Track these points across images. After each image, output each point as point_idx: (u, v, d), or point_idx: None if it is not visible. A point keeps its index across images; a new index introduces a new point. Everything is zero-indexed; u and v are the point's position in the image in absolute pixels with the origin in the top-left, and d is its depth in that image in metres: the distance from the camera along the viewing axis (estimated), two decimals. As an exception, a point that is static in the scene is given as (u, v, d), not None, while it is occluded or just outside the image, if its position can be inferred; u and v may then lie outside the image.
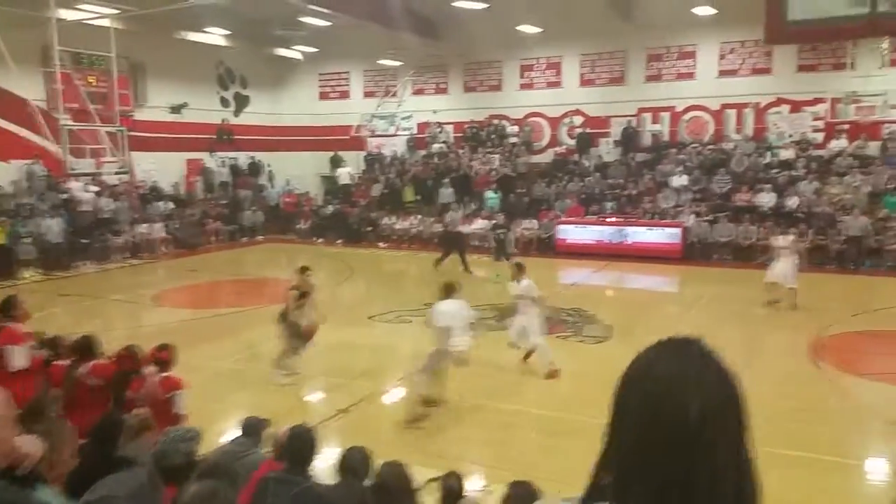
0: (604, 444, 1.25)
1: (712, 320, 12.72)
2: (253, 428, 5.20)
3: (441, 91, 26.12)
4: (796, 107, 20.66)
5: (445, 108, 25.73)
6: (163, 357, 5.78)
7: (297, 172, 27.03)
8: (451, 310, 7.86)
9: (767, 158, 20.27)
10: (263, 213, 25.10)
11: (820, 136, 20.27)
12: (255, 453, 4.97)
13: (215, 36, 23.49)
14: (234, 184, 25.94)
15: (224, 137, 26.16)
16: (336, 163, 26.56)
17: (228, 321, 12.97)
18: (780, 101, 20.90)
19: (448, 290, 8.05)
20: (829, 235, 17.31)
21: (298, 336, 9.29)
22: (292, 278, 9.64)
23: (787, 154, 20.08)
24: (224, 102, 26.52)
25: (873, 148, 19.29)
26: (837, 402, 8.30)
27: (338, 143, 26.66)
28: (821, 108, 20.15)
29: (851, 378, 9.09)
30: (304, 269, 9.65)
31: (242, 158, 26.64)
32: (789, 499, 5.95)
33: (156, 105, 23.58)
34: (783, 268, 12.49)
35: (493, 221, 18.43)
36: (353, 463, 4.21)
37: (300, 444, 4.29)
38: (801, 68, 20.32)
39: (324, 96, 28.27)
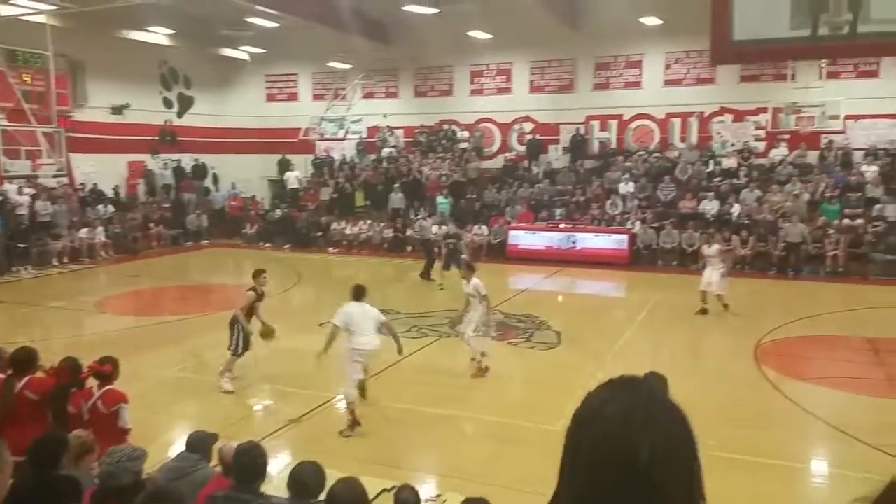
0: (557, 482, 1.27)
1: (659, 325, 12.95)
2: (200, 443, 5.02)
3: (391, 95, 26.03)
4: (739, 116, 21.32)
5: (396, 113, 25.66)
6: (105, 370, 5.53)
7: (243, 175, 26.52)
8: (354, 311, 7.97)
9: (711, 166, 20.83)
10: (208, 217, 24.53)
11: (761, 145, 20.98)
12: (203, 469, 4.80)
13: (158, 35, 22.86)
14: (178, 187, 25.29)
15: (167, 139, 25.48)
16: (284, 166, 26.15)
17: (173, 329, 12.60)
18: (723, 111, 21.54)
19: (356, 293, 8.17)
20: (770, 242, 17.84)
21: (245, 341, 9.15)
22: (251, 281, 9.51)
23: (729, 162, 20.67)
24: (167, 103, 25.85)
25: (812, 157, 20.07)
26: (780, 406, 8.50)
27: (285, 146, 26.28)
28: (762, 118, 20.84)
29: (793, 382, 9.34)
30: (258, 273, 9.59)
31: (186, 160, 25.97)
32: (733, 503, 6.06)
33: (96, 105, 22.83)
34: (710, 275, 12.85)
35: (446, 230, 18.39)
36: (304, 478, 4.07)
37: (248, 461, 4.15)
38: (744, 79, 20.95)
39: (271, 98, 27.86)
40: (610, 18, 21.04)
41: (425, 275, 17.32)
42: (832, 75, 19.43)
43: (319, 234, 23.00)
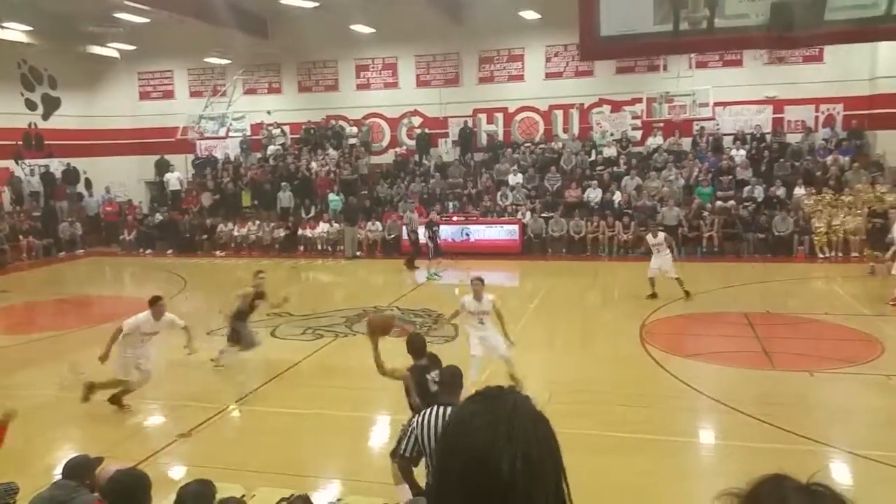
0: (431, 490, 1.36)
1: (551, 312, 13.31)
2: (79, 468, 4.67)
3: (275, 91, 25.34)
4: (616, 107, 22.20)
5: (280, 109, 24.96)
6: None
7: (118, 179, 25.06)
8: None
9: (593, 156, 21.60)
10: (82, 225, 23.08)
11: (638, 134, 21.95)
12: (81, 497, 4.46)
13: (15, 32, 21.12)
14: (47, 194, 23.64)
15: (33, 143, 23.73)
16: (163, 167, 24.91)
17: (50, 345, 11.74)
18: (601, 102, 22.36)
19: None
20: (650, 226, 18.64)
21: (238, 342, 9.71)
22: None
23: (610, 152, 21.51)
24: (30, 105, 23.99)
25: (686, 144, 21.24)
26: (666, 383, 8.90)
27: (163, 147, 25.02)
28: (638, 108, 21.81)
29: (677, 360, 9.80)
30: (257, 273, 10.20)
31: (55, 165, 24.30)
32: (630, 481, 6.30)
33: (-54, 108, 20.99)
34: (660, 262, 13.12)
35: (429, 219, 18.29)
36: (189, 500, 3.90)
37: (121, 489, 3.91)
38: (620, 70, 21.77)
39: (145, 96, 26.46)
40: (490, 12, 21.30)
41: (410, 264, 17.85)
42: (700, 65, 20.52)
43: (205, 237, 22.09)
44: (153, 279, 18.26)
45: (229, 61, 24.41)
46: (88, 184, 25.11)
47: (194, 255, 21.30)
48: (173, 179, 24.21)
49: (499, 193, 20.88)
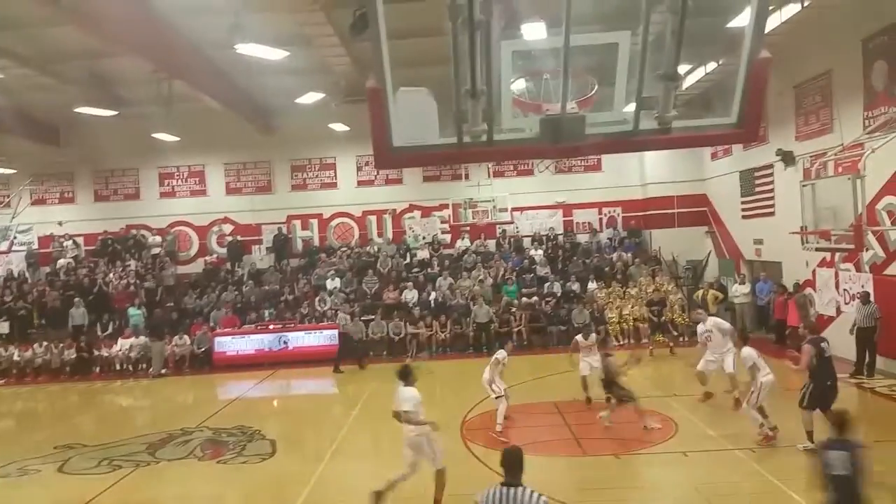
0: None
1: (374, 416, 13.10)
2: None
3: (67, 200, 23.72)
4: (426, 212, 23.48)
5: (74, 220, 23.34)
6: None
7: None
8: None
9: (408, 259, 22.34)
10: None
11: (448, 237, 23.22)
12: None
13: None
14: None
15: None
16: (-72, 289, 21.89)
17: None
18: (412, 207, 23.52)
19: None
20: (464, 324, 19.37)
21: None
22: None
23: (423, 254, 22.46)
24: None
25: (491, 245, 22.73)
26: (490, 480, 8.95)
27: (-69, 265, 22.16)
28: (446, 213, 23.22)
29: (498, 454, 9.92)
30: (626, 363, 11.12)
31: None
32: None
33: None
34: (592, 362, 12.43)
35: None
36: None
37: None
38: (427, 178, 23.22)
39: (-90, 211, 23.49)
40: (300, 124, 21.79)
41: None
42: (498, 174, 22.51)
43: (-20, 364, 19.42)
44: None
45: (15, 171, 22.53)
46: None
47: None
48: (-60, 302, 21.30)
49: (317, 298, 20.71)
